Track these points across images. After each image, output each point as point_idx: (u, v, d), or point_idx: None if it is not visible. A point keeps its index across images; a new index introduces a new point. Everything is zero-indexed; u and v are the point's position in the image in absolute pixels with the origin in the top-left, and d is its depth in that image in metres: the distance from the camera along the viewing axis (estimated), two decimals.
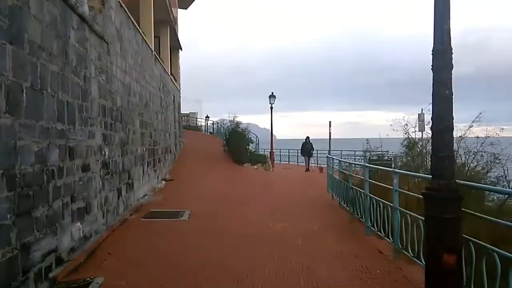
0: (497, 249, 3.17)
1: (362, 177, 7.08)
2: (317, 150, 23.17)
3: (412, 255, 4.63)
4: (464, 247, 3.45)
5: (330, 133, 16.92)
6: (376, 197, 6.15)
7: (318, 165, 23.42)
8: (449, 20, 3.40)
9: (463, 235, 3.44)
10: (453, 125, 3.41)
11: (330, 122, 16.98)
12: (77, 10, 5.50)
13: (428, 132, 10.04)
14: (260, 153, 25.57)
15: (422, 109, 21.27)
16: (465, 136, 8.22)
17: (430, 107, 3.52)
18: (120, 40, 8.17)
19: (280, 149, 29.57)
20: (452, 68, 3.39)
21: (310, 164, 21.89)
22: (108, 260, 5.15)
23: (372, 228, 6.30)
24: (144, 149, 10.62)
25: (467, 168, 7.60)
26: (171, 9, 17.46)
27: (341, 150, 21.75)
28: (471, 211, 3.50)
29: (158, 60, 14.09)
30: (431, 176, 3.55)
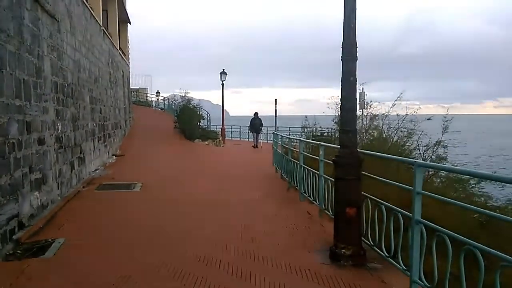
0: (384, 202, 4.13)
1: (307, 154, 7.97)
2: (266, 127, 23.46)
3: (331, 213, 5.58)
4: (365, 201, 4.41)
5: (276, 110, 17.82)
6: (308, 167, 7.08)
7: (267, 141, 24.43)
8: (355, 19, 4.21)
9: (363, 192, 4.38)
10: (356, 105, 4.30)
11: (276, 100, 17.86)
12: None
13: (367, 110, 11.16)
14: (212, 129, 26.16)
15: (362, 88, 22.68)
16: (389, 114, 9.43)
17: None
18: (70, 17, 8.36)
19: (231, 126, 30.28)
20: (357, 60, 4.24)
21: (258, 141, 21.45)
22: (66, 225, 5.68)
23: (304, 194, 7.25)
24: (95, 124, 10.89)
25: (389, 141, 8.79)
26: None
27: (289, 127, 22.12)
28: (366, 173, 4.42)
29: (107, 35, 14.11)
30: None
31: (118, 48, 17.51)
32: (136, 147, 15.83)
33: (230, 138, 27.45)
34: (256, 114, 21.24)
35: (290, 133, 15.41)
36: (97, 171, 10.62)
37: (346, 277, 3.91)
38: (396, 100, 9.59)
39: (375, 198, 4.30)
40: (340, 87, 4.31)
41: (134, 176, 9.80)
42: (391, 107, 9.70)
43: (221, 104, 25.13)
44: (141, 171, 10.89)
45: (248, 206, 7.15)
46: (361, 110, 16.31)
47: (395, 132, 9.22)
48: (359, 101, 19.27)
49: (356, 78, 4.26)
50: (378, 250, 4.19)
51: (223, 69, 24.27)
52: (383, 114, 8.97)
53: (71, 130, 8.09)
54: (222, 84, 24.28)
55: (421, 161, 6.15)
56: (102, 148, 12.05)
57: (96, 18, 11.73)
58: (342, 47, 4.27)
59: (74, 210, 6.53)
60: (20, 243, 4.84)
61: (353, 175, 4.27)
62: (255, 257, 4.46)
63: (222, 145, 21.54)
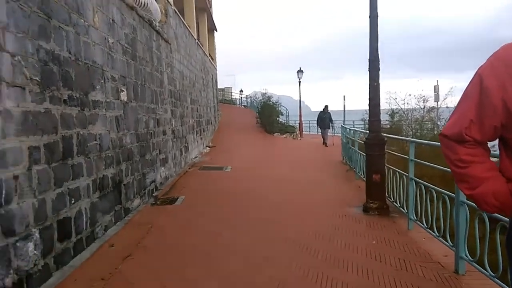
0: (400, 170, 5.86)
1: (360, 141, 9.71)
2: (335, 121, 21.48)
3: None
4: (388, 171, 6.17)
5: (344, 105, 19.29)
6: (359, 151, 8.85)
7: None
8: (377, 40, 5.97)
9: (386, 164, 6.15)
10: (380, 102, 6.07)
11: (344, 96, 19.34)
12: (155, 28, 8.39)
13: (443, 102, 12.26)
14: (291, 124, 28.30)
15: (437, 80, 23.16)
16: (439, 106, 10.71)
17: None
18: (176, 38, 11.04)
19: (309, 121, 32.06)
20: (379, 70, 6.01)
21: (328, 137, 19.12)
22: (183, 190, 8.20)
23: (358, 174, 9.03)
24: (193, 120, 13.65)
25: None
26: None
27: (353, 120, 21.21)
28: (389, 151, 6.18)
29: (200, 46, 16.93)
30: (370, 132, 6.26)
31: (208, 55, 20.43)
32: (224, 140, 18.56)
33: (308, 132, 29.30)
34: (326, 107, 19.56)
35: (354, 125, 16.82)
36: (196, 158, 13.36)
37: (372, 219, 5.77)
38: (447, 94, 10.82)
39: (393, 168, 6.05)
40: (368, 90, 6.12)
41: (225, 162, 12.29)
42: (442, 100, 10.96)
43: (302, 99, 27.12)
44: (230, 158, 13.39)
45: (315, 182, 9.15)
46: (436, 102, 17.23)
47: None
48: (434, 93, 20.05)
49: (379, 83, 6.04)
50: (395, 204, 5.95)
51: (300, 68, 26.23)
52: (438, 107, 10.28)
53: (180, 125, 10.78)
54: (299, 82, 26.28)
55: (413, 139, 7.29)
56: (199, 140, 14.84)
57: (193, 34, 14.50)
58: (368, 61, 6.07)
59: (186, 181, 9.10)
60: (157, 198, 7.41)
61: (378, 151, 6.08)
62: (315, 209, 6.50)
63: (299, 138, 23.54)
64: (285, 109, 28.10)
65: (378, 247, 4.59)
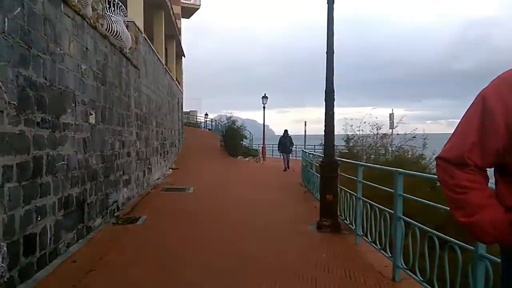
0: (350, 191, 6.41)
1: (317, 164, 10.25)
2: (296, 145, 22.61)
3: None
4: (340, 192, 6.71)
5: (305, 130, 20.12)
6: (317, 174, 9.40)
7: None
8: (333, 74, 6.61)
9: (339, 185, 6.69)
10: (334, 129, 6.65)
11: (305, 122, 20.19)
12: (126, 55, 8.73)
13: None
14: (255, 147, 28.88)
15: (392, 109, 24.65)
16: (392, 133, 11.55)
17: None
18: (145, 64, 11.38)
19: (272, 145, 32.80)
20: (334, 100, 6.62)
21: (289, 162, 18.85)
22: (145, 210, 8.38)
23: (315, 195, 9.56)
24: (158, 143, 13.85)
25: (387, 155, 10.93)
26: (176, 24, 20.64)
27: (314, 145, 20.89)
28: (341, 173, 6.74)
29: (167, 71, 17.30)
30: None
31: (175, 79, 20.79)
32: (187, 162, 18.76)
33: (271, 156, 29.91)
34: (286, 132, 19.46)
35: (315, 150, 17.55)
36: (159, 179, 13.50)
37: (324, 236, 6.25)
38: (398, 122, 11.71)
39: (345, 189, 6.61)
40: (324, 118, 6.70)
41: (188, 183, 12.52)
42: (394, 127, 11.86)
43: (266, 124, 27.82)
44: (193, 180, 13.63)
45: (274, 202, 9.58)
46: (390, 129, 18.26)
47: (398, 149, 11.30)
48: (389, 120, 21.16)
49: (334, 112, 6.64)
50: (345, 221, 6.47)
51: (265, 94, 27.03)
52: (385, 133, 11.11)
53: (144, 147, 10.99)
54: (264, 107, 27.03)
55: (362, 162, 7.85)
56: (162, 162, 15.01)
57: (161, 60, 14.88)
58: (325, 92, 6.68)
59: (148, 202, 9.28)
60: (119, 217, 7.57)
61: (332, 174, 6.62)
62: (273, 227, 6.89)
63: (261, 162, 24.07)
64: (249, 133, 28.72)
65: (328, 259, 5.04)
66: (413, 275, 3.97)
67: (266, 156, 27.30)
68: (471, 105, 1.47)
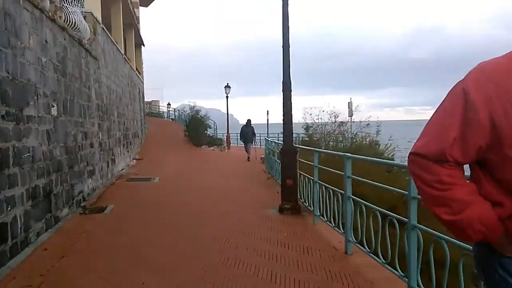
0: (308, 175, 6.84)
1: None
2: (260, 134, 22.76)
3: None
4: (300, 176, 7.13)
5: (267, 119, 20.52)
6: (279, 161, 9.81)
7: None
8: (289, 67, 6.95)
9: (298, 171, 7.11)
10: (292, 119, 7.03)
11: (267, 111, 20.62)
12: (84, 46, 8.69)
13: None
14: (219, 136, 29.03)
15: (350, 98, 25.49)
16: (347, 121, 12.16)
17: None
18: (104, 55, 11.29)
19: (236, 133, 32.94)
20: (291, 91, 6.98)
21: (251, 151, 18.20)
22: (111, 200, 8.48)
23: (278, 181, 9.98)
24: (120, 133, 13.79)
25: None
26: (134, 12, 20.30)
27: (277, 133, 20.11)
28: (300, 159, 7.17)
29: (127, 61, 17.09)
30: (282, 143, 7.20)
31: (135, 69, 20.53)
32: (151, 152, 18.73)
33: (236, 145, 30.16)
34: (248, 121, 19.08)
35: (279, 138, 18.02)
36: (123, 170, 13.49)
37: (285, 218, 6.66)
38: (354, 111, 12.33)
39: (304, 174, 7.04)
40: (282, 108, 7.06)
41: (152, 173, 12.62)
42: (352, 115, 12.48)
43: (230, 113, 28.01)
44: (158, 170, 13.72)
45: (238, 189, 9.93)
46: (349, 117, 18.98)
47: (354, 136, 11.96)
48: (348, 109, 21.92)
49: (291, 102, 7.01)
50: (305, 204, 6.92)
51: (227, 83, 27.19)
52: (341, 122, 11.71)
53: (107, 138, 10.98)
54: (227, 97, 27.19)
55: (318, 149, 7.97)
56: (126, 152, 14.96)
57: (120, 50, 14.71)
58: (282, 83, 7.03)
59: (113, 192, 9.37)
60: (86, 207, 7.66)
61: (291, 160, 7.03)
62: (237, 212, 7.24)
63: (226, 151, 24.33)
64: (213, 122, 28.81)
65: (288, 238, 5.45)
66: (362, 248, 4.44)
67: (231, 145, 27.57)
68: (448, 97, 1.37)
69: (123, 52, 15.63)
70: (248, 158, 17.98)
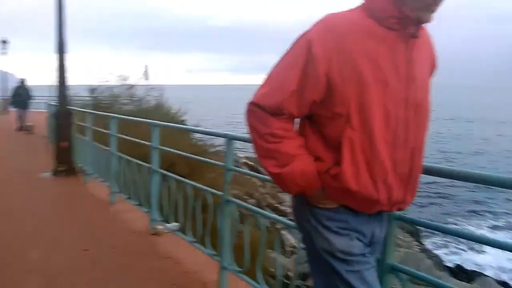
0: (83, 137, 7.13)
1: None
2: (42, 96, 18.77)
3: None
4: (77, 139, 7.34)
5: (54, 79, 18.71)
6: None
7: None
8: (62, 27, 6.94)
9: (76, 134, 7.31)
10: (65, 80, 7.12)
11: (52, 68, 18.75)
12: None
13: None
14: None
15: (146, 66, 25.57)
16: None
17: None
18: None
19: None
20: (66, 53, 7.05)
21: (26, 118, 14.96)
22: None
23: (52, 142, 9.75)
24: None
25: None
26: None
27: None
28: (79, 122, 7.38)
29: None
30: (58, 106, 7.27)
31: None
32: None
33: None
34: (22, 81, 15.46)
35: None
36: None
37: (59, 179, 6.88)
38: (143, 75, 12.80)
39: (81, 136, 7.30)
40: (57, 69, 7.05)
41: None
42: (148, 78, 12.91)
43: (15, 72, 24.21)
44: None
45: (9, 156, 9.30)
46: (146, 80, 18.94)
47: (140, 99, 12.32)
48: (144, 72, 21.85)
49: (66, 65, 7.09)
50: (81, 165, 7.23)
51: (5, 39, 23.49)
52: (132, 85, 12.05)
53: None
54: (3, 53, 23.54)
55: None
56: None
57: None
58: (57, 44, 6.98)
59: None
60: None
61: (66, 122, 7.19)
62: (8, 178, 6.97)
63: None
64: None
65: (60, 195, 5.85)
66: (121, 194, 5.16)
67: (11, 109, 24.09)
68: (293, 48, 1.33)
69: None
70: (21, 127, 14.58)
